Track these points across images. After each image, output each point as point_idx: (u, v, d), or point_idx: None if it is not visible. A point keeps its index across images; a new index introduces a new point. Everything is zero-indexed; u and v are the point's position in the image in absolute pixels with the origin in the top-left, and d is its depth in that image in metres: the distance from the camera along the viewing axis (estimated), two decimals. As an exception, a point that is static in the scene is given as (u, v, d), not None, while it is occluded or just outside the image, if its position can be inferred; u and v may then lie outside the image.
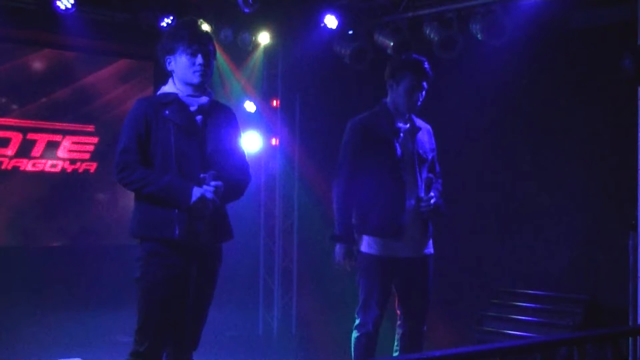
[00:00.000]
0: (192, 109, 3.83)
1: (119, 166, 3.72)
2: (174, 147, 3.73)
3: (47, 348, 6.35)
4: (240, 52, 7.75)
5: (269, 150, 8.34)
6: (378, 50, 7.03)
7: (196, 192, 3.67)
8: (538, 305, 6.40)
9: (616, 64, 5.09)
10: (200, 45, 3.82)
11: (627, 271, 5.28)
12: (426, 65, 4.60)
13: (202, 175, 3.74)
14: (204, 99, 3.88)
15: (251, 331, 8.06)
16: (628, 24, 5.49)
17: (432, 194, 4.59)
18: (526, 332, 6.19)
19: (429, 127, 4.81)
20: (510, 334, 6.24)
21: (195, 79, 3.82)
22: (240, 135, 4.04)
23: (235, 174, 3.88)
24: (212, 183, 3.74)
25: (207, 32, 3.96)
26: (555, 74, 6.49)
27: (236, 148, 3.98)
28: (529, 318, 6.35)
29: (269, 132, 8.30)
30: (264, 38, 7.75)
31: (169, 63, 3.87)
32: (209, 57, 3.86)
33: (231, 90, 7.96)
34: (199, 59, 3.80)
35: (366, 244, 4.57)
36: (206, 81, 3.88)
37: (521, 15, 6.19)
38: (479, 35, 6.28)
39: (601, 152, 6.25)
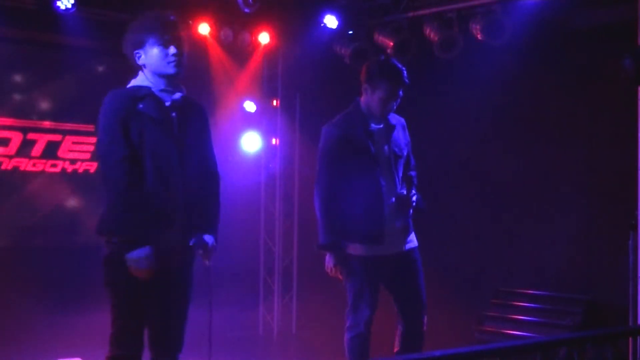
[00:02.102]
0: (167, 104, 3.72)
1: (114, 155, 3.56)
2: (148, 142, 3.61)
3: (47, 348, 6.35)
4: (240, 52, 7.75)
5: (269, 150, 8.34)
6: (378, 50, 7.02)
7: (141, 252, 3.52)
8: (538, 305, 6.40)
9: (616, 64, 5.09)
10: (172, 34, 3.70)
11: (627, 271, 5.28)
12: (404, 75, 4.55)
13: (192, 242, 3.69)
14: (177, 95, 3.77)
15: (251, 331, 8.07)
16: (628, 24, 5.49)
17: (412, 192, 4.59)
18: (526, 332, 6.19)
19: (402, 120, 4.78)
20: (510, 334, 6.24)
21: (171, 70, 3.70)
22: (210, 132, 3.92)
23: (207, 185, 3.80)
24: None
25: (176, 20, 3.81)
26: (555, 73, 6.49)
27: (208, 147, 3.88)
28: (529, 318, 6.35)
29: (269, 132, 8.31)
30: (264, 38, 7.75)
31: (139, 57, 3.73)
32: (182, 45, 3.73)
33: (231, 90, 7.96)
34: (172, 49, 3.68)
35: (350, 246, 4.55)
36: (181, 71, 3.75)
37: (521, 15, 6.18)
38: (479, 35, 6.28)
39: (601, 152, 6.25)
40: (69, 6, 6.29)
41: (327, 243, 4.51)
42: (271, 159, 8.35)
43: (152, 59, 3.71)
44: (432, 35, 6.56)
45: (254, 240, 8.25)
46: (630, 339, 4.96)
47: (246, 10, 6.61)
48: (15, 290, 6.71)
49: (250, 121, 8.13)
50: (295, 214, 8.28)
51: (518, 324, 6.35)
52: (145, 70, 3.75)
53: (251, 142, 8.15)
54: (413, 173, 4.74)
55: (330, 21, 7.12)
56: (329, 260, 4.57)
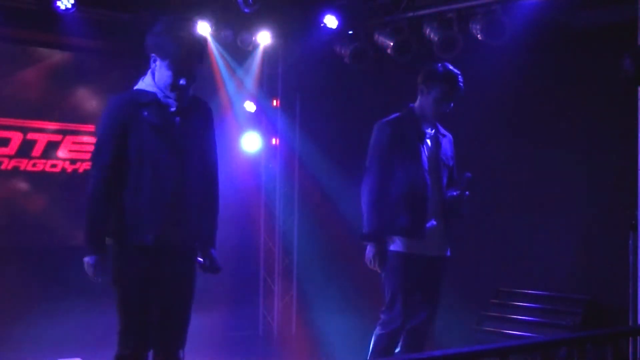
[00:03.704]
0: (172, 110, 3.75)
1: (98, 163, 3.74)
2: (150, 151, 3.67)
3: (47, 348, 6.35)
4: (240, 52, 7.75)
5: (269, 150, 8.34)
6: (378, 50, 7.03)
7: (92, 259, 3.77)
8: (538, 305, 6.40)
9: (616, 64, 5.09)
10: (188, 66, 3.72)
11: (627, 271, 5.28)
12: (460, 79, 4.72)
13: (200, 257, 3.87)
14: (184, 98, 3.79)
15: (251, 331, 8.06)
16: (628, 24, 5.49)
17: (467, 193, 4.72)
18: (526, 332, 6.18)
19: (450, 136, 4.95)
20: (510, 334, 6.24)
21: (173, 97, 3.74)
22: (214, 133, 3.98)
23: (206, 191, 3.87)
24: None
25: (199, 45, 3.82)
26: (555, 74, 6.48)
27: (209, 150, 3.93)
28: (529, 318, 6.34)
29: (269, 132, 8.31)
30: (264, 38, 7.74)
31: (153, 61, 3.76)
32: (194, 76, 3.76)
33: (231, 90, 7.95)
34: (182, 81, 3.71)
35: (393, 243, 4.64)
36: (184, 95, 3.78)
37: (521, 15, 6.18)
38: (479, 35, 6.28)
39: (601, 152, 6.24)
40: (69, 6, 6.29)
41: (370, 233, 4.62)
42: (271, 159, 8.35)
43: (161, 76, 3.74)
44: (432, 35, 6.56)
45: (254, 240, 8.24)
46: (630, 339, 4.96)
47: (246, 10, 6.60)
48: (15, 291, 6.71)
49: (250, 121, 8.13)
50: (295, 214, 8.27)
51: (518, 324, 6.34)
52: (154, 75, 3.77)
53: (251, 142, 8.15)
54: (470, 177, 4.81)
55: (330, 21, 7.11)
56: (369, 251, 4.66)
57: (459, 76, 4.73)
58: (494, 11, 6.24)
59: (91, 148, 7.33)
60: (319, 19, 7.13)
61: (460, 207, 4.73)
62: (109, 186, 3.70)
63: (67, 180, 7.38)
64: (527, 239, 6.65)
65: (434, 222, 4.67)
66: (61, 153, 7.33)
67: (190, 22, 3.91)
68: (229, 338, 7.34)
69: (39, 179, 7.23)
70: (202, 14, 7.20)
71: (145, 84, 3.80)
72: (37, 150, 7.20)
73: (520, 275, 6.67)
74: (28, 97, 7.19)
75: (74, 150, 7.39)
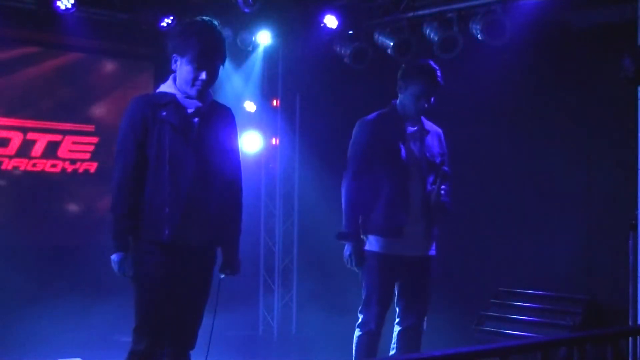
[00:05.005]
0: (190, 111, 3.81)
1: (122, 163, 3.74)
2: (168, 149, 3.72)
3: (47, 348, 6.35)
4: (240, 52, 7.75)
5: (269, 150, 8.34)
6: (378, 50, 7.03)
7: (117, 256, 3.72)
8: (538, 305, 6.40)
9: (616, 64, 5.09)
10: (209, 60, 3.77)
11: (627, 271, 5.28)
12: (438, 74, 4.62)
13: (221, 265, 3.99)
14: (203, 101, 3.86)
15: (251, 331, 8.06)
16: (628, 24, 5.49)
17: (443, 187, 4.62)
18: (526, 332, 6.18)
19: (439, 130, 4.84)
20: (510, 334, 6.24)
21: (193, 92, 3.80)
22: (238, 138, 4.06)
23: (228, 193, 3.91)
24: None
25: (220, 43, 3.86)
26: (555, 74, 6.49)
27: (232, 153, 3.99)
28: (529, 318, 6.34)
29: (269, 132, 8.31)
30: (264, 38, 7.74)
31: (175, 61, 3.82)
32: (215, 72, 3.82)
33: (231, 90, 7.95)
34: (203, 75, 3.76)
35: (369, 242, 4.62)
36: (204, 92, 3.84)
37: (521, 15, 6.18)
38: (479, 35, 6.28)
39: (601, 152, 6.25)
40: (69, 6, 6.30)
41: (346, 232, 4.61)
42: (271, 159, 8.35)
43: (182, 73, 3.80)
44: (432, 35, 6.56)
45: (254, 240, 8.24)
46: (630, 339, 4.96)
47: (246, 10, 6.60)
48: (15, 290, 6.71)
49: (250, 121, 8.13)
50: (295, 214, 8.28)
51: (518, 324, 6.34)
52: (175, 76, 3.84)
53: (251, 142, 8.15)
54: (446, 170, 4.73)
55: (330, 21, 7.11)
56: (346, 251, 4.65)
57: (437, 71, 4.62)
58: (494, 11, 6.24)
59: (91, 148, 7.45)
60: (319, 19, 7.13)
61: (436, 202, 4.59)
62: (133, 185, 3.73)
63: (67, 180, 7.38)
64: (527, 239, 6.65)
65: (413, 222, 4.59)
66: (61, 153, 7.33)
67: (208, 21, 3.90)
68: (229, 338, 7.33)
69: (39, 179, 7.24)
70: (202, 14, 7.19)
71: (165, 86, 3.88)
72: (37, 150, 7.21)
73: (520, 275, 6.67)
74: (28, 97, 7.20)
75: (74, 150, 7.40)
